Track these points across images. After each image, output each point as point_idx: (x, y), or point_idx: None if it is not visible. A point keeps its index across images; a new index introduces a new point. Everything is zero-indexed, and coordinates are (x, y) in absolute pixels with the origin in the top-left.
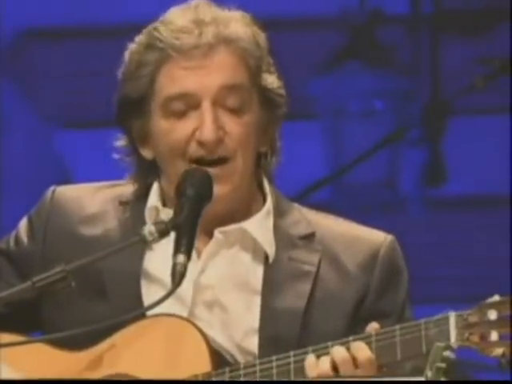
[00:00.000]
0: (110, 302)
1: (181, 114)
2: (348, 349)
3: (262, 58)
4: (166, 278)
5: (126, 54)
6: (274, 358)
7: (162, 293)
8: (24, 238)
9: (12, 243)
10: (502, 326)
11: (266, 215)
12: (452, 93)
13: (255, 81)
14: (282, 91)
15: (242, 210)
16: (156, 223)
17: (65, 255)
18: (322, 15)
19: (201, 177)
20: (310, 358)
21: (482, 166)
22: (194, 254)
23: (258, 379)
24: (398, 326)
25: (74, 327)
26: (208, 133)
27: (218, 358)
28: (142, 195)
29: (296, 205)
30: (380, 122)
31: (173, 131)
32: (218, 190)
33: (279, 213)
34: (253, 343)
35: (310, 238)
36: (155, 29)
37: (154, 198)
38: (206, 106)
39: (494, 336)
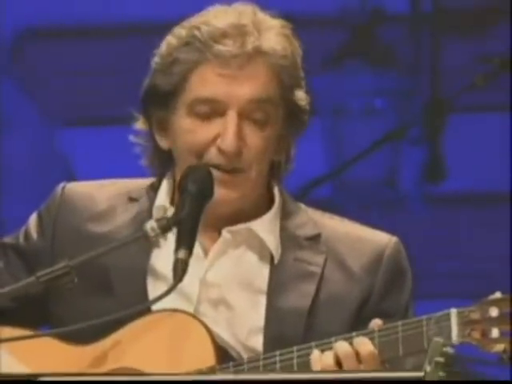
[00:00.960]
0: (117, 298)
1: (205, 117)
2: (351, 344)
3: (296, 74)
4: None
5: (163, 46)
6: (277, 352)
7: None
8: (33, 233)
9: (21, 238)
10: (503, 322)
11: (274, 216)
12: (452, 91)
13: (285, 95)
14: (308, 108)
15: (251, 211)
16: (158, 219)
17: (73, 251)
18: (322, 14)
19: (203, 173)
20: (315, 353)
21: (482, 163)
22: (201, 252)
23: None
24: (400, 322)
25: (80, 323)
26: (230, 143)
27: (223, 353)
28: (152, 192)
29: (303, 206)
30: (380, 120)
31: (194, 132)
32: (225, 194)
33: (286, 214)
34: (257, 342)
35: (315, 239)
36: (197, 28)
37: (162, 196)
38: (232, 115)
39: (495, 333)
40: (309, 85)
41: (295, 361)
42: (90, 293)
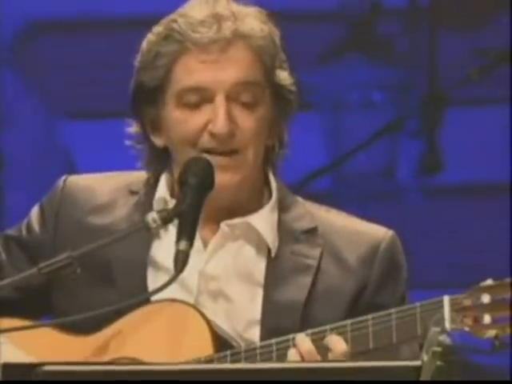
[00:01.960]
0: (118, 289)
1: (194, 106)
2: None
3: (277, 55)
4: (173, 266)
5: (144, 44)
6: (273, 341)
7: None
8: (35, 225)
9: (24, 231)
10: (494, 309)
11: (271, 210)
12: (449, 84)
13: (269, 77)
14: (294, 88)
15: (249, 204)
16: (159, 211)
17: (75, 243)
18: (321, 8)
19: (203, 165)
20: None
21: (478, 155)
22: (200, 245)
23: (258, 361)
24: (393, 310)
25: (81, 314)
26: (221, 125)
27: (222, 343)
28: (152, 185)
29: (300, 199)
30: (378, 113)
31: (186, 122)
32: (227, 178)
33: (283, 207)
34: (255, 334)
35: (312, 232)
36: (174, 21)
37: (162, 189)
38: (220, 99)
39: (487, 319)
40: (308, 79)
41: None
42: (91, 284)
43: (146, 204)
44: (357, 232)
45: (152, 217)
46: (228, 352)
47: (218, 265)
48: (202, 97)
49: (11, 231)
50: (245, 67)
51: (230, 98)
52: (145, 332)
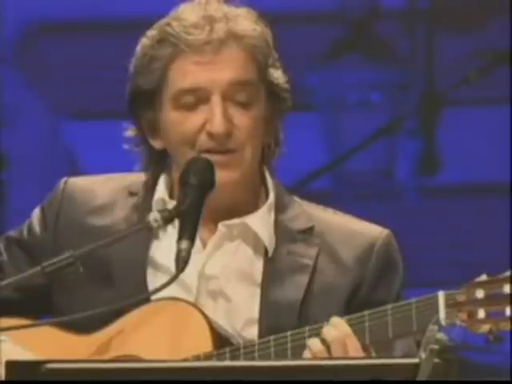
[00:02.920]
0: (117, 289)
1: (191, 107)
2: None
3: (269, 54)
4: (172, 266)
5: (138, 48)
6: (271, 337)
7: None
8: (36, 227)
9: (25, 232)
10: (489, 304)
11: (268, 210)
12: (447, 85)
13: (263, 76)
14: (287, 86)
15: (246, 205)
16: (160, 210)
17: (75, 244)
18: (321, 9)
19: (203, 165)
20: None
21: (476, 155)
22: (199, 245)
23: (256, 358)
24: (389, 306)
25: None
26: (218, 125)
27: (222, 341)
28: (151, 186)
29: (297, 198)
30: (377, 113)
31: (183, 123)
32: (225, 176)
33: (280, 207)
34: (253, 333)
35: (308, 231)
36: (168, 24)
37: (161, 190)
38: (216, 99)
39: (481, 314)
40: (307, 79)
41: (289, 345)
42: (91, 284)
43: (145, 205)
44: (353, 231)
45: (154, 216)
46: (227, 349)
47: (216, 265)
48: (197, 98)
49: (12, 233)
50: (239, 67)
51: (226, 97)
52: (146, 330)
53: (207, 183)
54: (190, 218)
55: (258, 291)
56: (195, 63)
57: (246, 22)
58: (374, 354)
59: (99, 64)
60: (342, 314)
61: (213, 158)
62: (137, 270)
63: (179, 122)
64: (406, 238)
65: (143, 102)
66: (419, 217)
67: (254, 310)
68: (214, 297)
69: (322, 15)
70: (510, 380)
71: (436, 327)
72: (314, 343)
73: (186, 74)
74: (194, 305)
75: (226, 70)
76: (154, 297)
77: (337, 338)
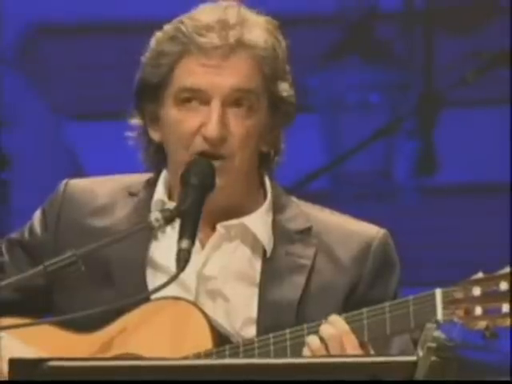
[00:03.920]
0: (117, 289)
1: (191, 108)
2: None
3: (278, 66)
4: (171, 266)
5: (152, 41)
6: (271, 335)
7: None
8: (37, 228)
9: (26, 234)
10: (485, 301)
11: (266, 211)
12: (444, 86)
13: (268, 87)
14: (293, 99)
15: (244, 206)
16: (162, 210)
17: (76, 246)
18: (321, 12)
19: (204, 166)
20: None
21: (473, 155)
22: (198, 246)
23: (256, 356)
24: (387, 303)
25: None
26: (213, 130)
27: (222, 340)
28: (150, 186)
29: (294, 199)
30: (376, 114)
31: (181, 122)
32: (217, 181)
33: (278, 208)
34: (251, 332)
35: (306, 232)
36: (182, 22)
37: (160, 192)
38: (215, 104)
39: (478, 311)
40: (307, 81)
41: (288, 343)
42: (92, 284)
43: (144, 205)
44: (350, 231)
45: (155, 216)
46: (227, 347)
47: (214, 265)
48: (198, 99)
49: (14, 235)
50: (243, 75)
51: (226, 103)
52: (147, 329)
53: (207, 184)
54: (191, 218)
55: (256, 291)
56: (201, 65)
57: (260, 31)
58: (372, 352)
59: (100, 65)
60: (339, 313)
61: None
62: (136, 270)
63: (178, 121)
64: (404, 237)
65: (148, 95)
66: (417, 217)
67: (253, 310)
68: (213, 297)
69: (322, 18)
70: (510, 380)
71: (434, 325)
72: (313, 341)
73: (191, 74)
74: (195, 304)
75: (230, 76)
76: (154, 296)
77: (334, 336)
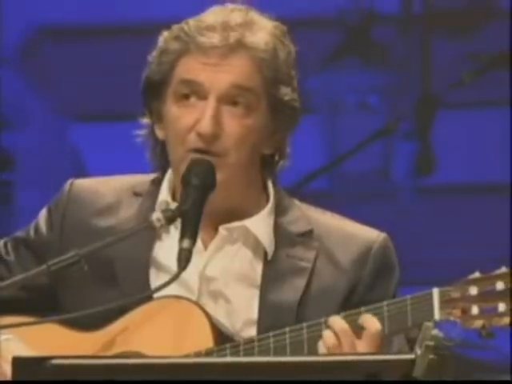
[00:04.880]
0: (121, 289)
1: (189, 104)
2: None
3: (279, 70)
4: (174, 266)
5: (160, 40)
6: (271, 334)
7: None
8: (43, 227)
9: (32, 232)
10: (482, 300)
11: (268, 214)
12: (442, 88)
13: (268, 89)
14: (295, 104)
15: (246, 209)
16: (163, 210)
17: (81, 245)
18: (320, 15)
19: (205, 166)
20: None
21: (470, 155)
22: (201, 247)
23: (256, 354)
24: (385, 302)
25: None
26: (206, 126)
27: (223, 339)
28: (155, 186)
29: (297, 202)
30: (374, 116)
31: (179, 119)
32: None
33: (280, 211)
34: (252, 333)
35: (308, 234)
36: (186, 22)
37: (164, 192)
38: (211, 100)
39: (474, 310)
40: (306, 83)
41: (288, 341)
42: (95, 283)
43: (149, 206)
44: (351, 234)
45: (157, 216)
46: (228, 345)
47: (216, 267)
48: (196, 93)
49: (20, 233)
50: (242, 73)
51: (222, 100)
52: (150, 328)
53: (208, 184)
54: (192, 218)
55: (257, 293)
56: (201, 63)
57: (263, 34)
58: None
59: (104, 67)
60: (337, 314)
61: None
62: (140, 270)
63: (176, 117)
64: (402, 237)
65: (152, 92)
66: (415, 216)
67: (253, 312)
68: (215, 298)
69: (321, 20)
70: (510, 380)
71: (431, 324)
72: (329, 337)
73: (190, 70)
74: (196, 303)
75: (228, 73)
76: (156, 295)
77: (346, 331)
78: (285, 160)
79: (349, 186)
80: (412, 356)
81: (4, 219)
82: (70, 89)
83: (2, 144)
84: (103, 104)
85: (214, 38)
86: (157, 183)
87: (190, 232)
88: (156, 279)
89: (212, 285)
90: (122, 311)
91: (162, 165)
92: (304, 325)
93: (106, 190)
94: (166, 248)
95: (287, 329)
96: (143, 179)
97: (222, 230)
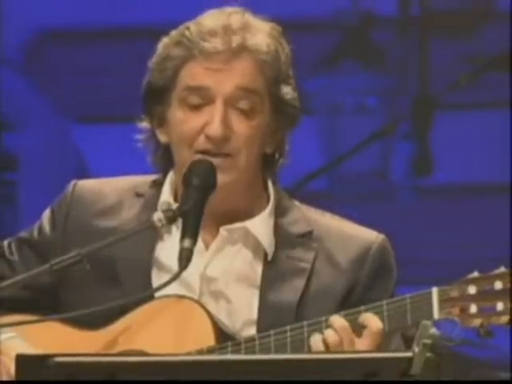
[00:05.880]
0: (123, 289)
1: (195, 108)
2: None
3: (280, 70)
4: (176, 266)
5: (159, 46)
6: (272, 332)
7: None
8: (46, 227)
9: (35, 233)
10: (480, 299)
11: (269, 215)
12: (439, 89)
13: (270, 89)
14: (295, 102)
15: (247, 209)
16: (164, 210)
17: (83, 245)
18: (317, 18)
19: (205, 167)
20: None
21: (467, 156)
22: (202, 247)
23: (257, 352)
24: (385, 301)
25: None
26: (216, 129)
27: (224, 337)
28: (157, 187)
29: (297, 203)
30: (372, 117)
31: (185, 122)
32: (220, 179)
33: (280, 212)
34: (251, 333)
35: (307, 235)
36: (187, 28)
37: (166, 193)
38: (219, 103)
39: (473, 309)
40: (305, 85)
41: (288, 340)
42: (98, 283)
43: (151, 206)
44: (350, 235)
45: (158, 216)
46: (229, 343)
47: (217, 267)
48: (202, 98)
49: (23, 234)
50: (246, 76)
51: (229, 103)
52: (152, 327)
53: (209, 184)
54: (193, 218)
55: (256, 293)
56: (205, 68)
57: (263, 36)
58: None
59: (107, 69)
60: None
61: (207, 159)
62: (142, 270)
63: (182, 121)
64: (401, 236)
65: (155, 97)
66: (413, 216)
67: (253, 312)
68: (216, 298)
69: (319, 23)
70: (511, 380)
71: (429, 322)
72: (330, 335)
73: (195, 76)
74: (198, 302)
75: (233, 76)
76: (157, 294)
77: (345, 328)
78: (284, 158)
79: (347, 186)
80: (410, 354)
81: (7, 219)
82: (72, 90)
83: (6, 144)
84: (105, 105)
85: (217, 43)
86: (158, 184)
87: (190, 232)
88: (158, 279)
89: (212, 285)
90: (123, 311)
91: (165, 168)
92: (305, 323)
93: (109, 190)
94: (168, 248)
95: (288, 327)
96: (145, 180)
97: (223, 230)
